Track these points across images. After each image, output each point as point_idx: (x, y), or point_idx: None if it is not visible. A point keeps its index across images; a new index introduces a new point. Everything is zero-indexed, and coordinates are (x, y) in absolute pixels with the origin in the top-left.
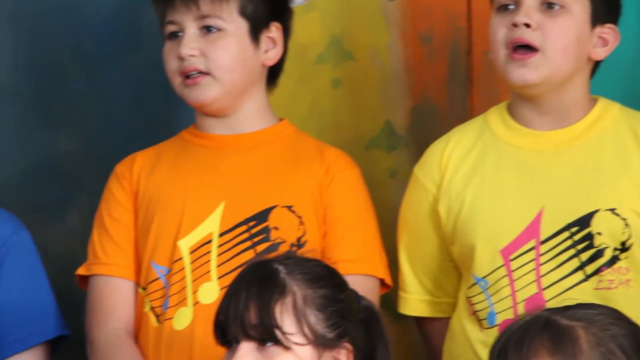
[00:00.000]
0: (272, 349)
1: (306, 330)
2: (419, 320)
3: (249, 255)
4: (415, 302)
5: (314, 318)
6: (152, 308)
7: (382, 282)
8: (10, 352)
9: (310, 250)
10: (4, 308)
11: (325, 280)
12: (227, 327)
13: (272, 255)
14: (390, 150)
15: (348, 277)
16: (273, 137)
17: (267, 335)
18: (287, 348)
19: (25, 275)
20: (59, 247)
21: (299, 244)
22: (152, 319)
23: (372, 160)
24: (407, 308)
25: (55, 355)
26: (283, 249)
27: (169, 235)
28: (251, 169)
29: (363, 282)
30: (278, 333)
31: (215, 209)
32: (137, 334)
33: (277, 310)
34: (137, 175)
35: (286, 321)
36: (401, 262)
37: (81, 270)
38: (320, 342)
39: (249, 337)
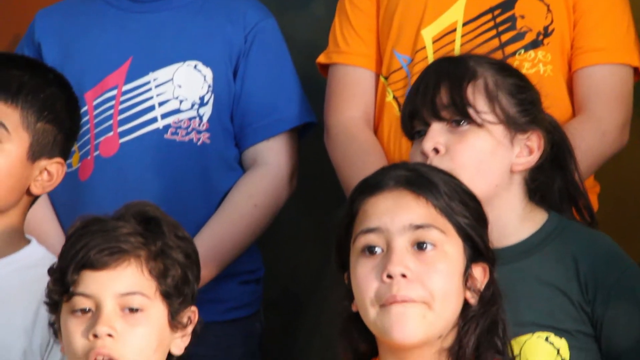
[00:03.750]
0: (465, 128)
1: (498, 110)
2: None
3: (494, 44)
4: None
5: (505, 101)
6: (395, 98)
7: (636, 71)
8: (257, 139)
9: None
10: (251, 95)
11: (513, 71)
12: (416, 115)
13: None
14: None
15: (600, 67)
16: None
17: (459, 113)
18: (480, 125)
19: (271, 63)
20: (305, 34)
21: (546, 33)
22: (395, 108)
23: None
24: None
25: (301, 141)
26: (529, 38)
27: (412, 23)
28: None
29: (616, 71)
30: (471, 111)
31: None
32: (377, 124)
33: (469, 90)
34: None
35: (478, 101)
36: None
37: (321, 59)
38: (512, 124)
39: (440, 119)
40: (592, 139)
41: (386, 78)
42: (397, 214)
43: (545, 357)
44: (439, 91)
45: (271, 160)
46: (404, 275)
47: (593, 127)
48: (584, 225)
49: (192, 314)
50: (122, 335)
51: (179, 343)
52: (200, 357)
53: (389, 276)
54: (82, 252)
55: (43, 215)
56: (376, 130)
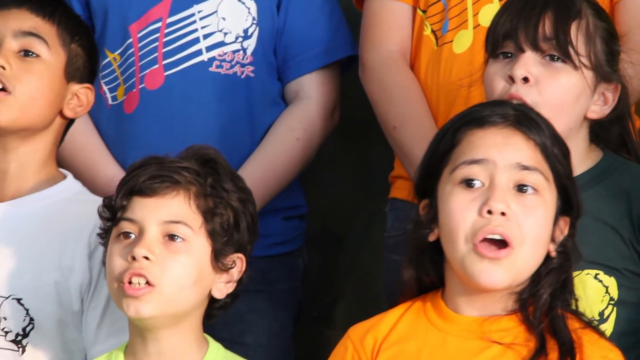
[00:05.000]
0: (559, 65)
1: (592, 55)
2: None
3: None
4: None
5: (599, 46)
6: (433, 32)
7: None
8: (299, 72)
9: None
10: (293, 28)
11: (606, 16)
12: (512, 37)
13: None
14: None
15: None
16: None
17: (560, 51)
18: (575, 67)
19: None
20: None
21: None
22: (432, 42)
23: None
24: None
25: (344, 75)
26: None
27: None
28: None
29: None
30: (572, 51)
31: None
32: (413, 59)
33: (573, 28)
34: None
35: (579, 42)
36: None
37: None
38: (600, 71)
39: (536, 49)
40: (636, 68)
41: (424, 12)
42: (506, 150)
43: (593, 294)
44: (543, 20)
45: (313, 93)
46: (503, 213)
47: (637, 57)
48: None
49: (239, 260)
50: (160, 260)
51: (222, 287)
52: (244, 291)
53: (489, 212)
54: (133, 179)
55: (97, 148)
56: (412, 65)
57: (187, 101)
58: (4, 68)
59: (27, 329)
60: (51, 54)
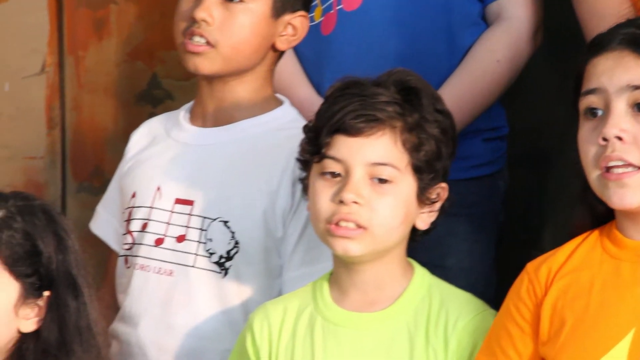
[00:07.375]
0: None
1: None
2: None
3: None
4: None
5: None
6: None
7: None
8: None
9: None
10: None
11: None
12: None
13: None
14: None
15: None
16: None
17: None
18: None
19: None
20: None
21: None
22: None
23: None
24: None
25: None
26: None
27: None
28: None
29: None
30: None
31: None
32: None
33: None
34: None
35: None
36: None
37: None
38: None
39: None
40: None
41: None
42: (615, 75)
43: None
44: None
45: (515, 14)
46: (620, 138)
47: None
48: None
49: (441, 190)
50: (369, 203)
51: (425, 218)
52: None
53: (605, 139)
54: (338, 115)
55: (292, 70)
56: None
57: (385, 22)
58: (206, 22)
59: (232, 252)
60: (255, 0)
